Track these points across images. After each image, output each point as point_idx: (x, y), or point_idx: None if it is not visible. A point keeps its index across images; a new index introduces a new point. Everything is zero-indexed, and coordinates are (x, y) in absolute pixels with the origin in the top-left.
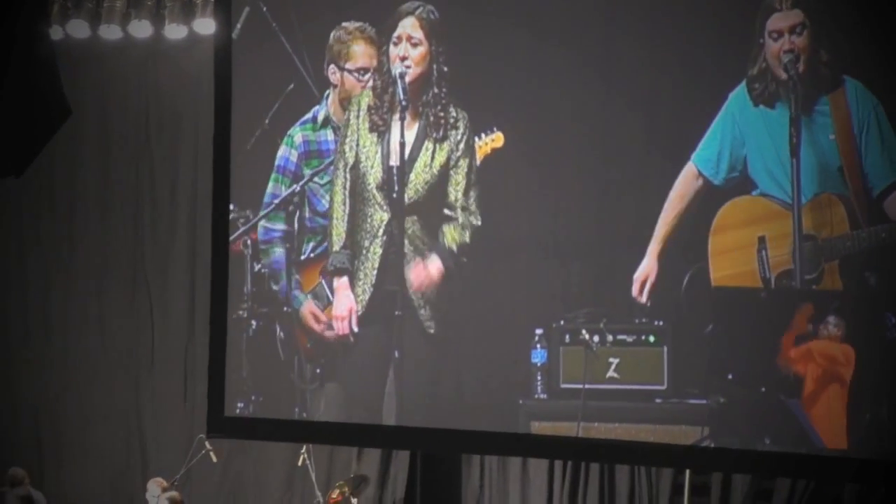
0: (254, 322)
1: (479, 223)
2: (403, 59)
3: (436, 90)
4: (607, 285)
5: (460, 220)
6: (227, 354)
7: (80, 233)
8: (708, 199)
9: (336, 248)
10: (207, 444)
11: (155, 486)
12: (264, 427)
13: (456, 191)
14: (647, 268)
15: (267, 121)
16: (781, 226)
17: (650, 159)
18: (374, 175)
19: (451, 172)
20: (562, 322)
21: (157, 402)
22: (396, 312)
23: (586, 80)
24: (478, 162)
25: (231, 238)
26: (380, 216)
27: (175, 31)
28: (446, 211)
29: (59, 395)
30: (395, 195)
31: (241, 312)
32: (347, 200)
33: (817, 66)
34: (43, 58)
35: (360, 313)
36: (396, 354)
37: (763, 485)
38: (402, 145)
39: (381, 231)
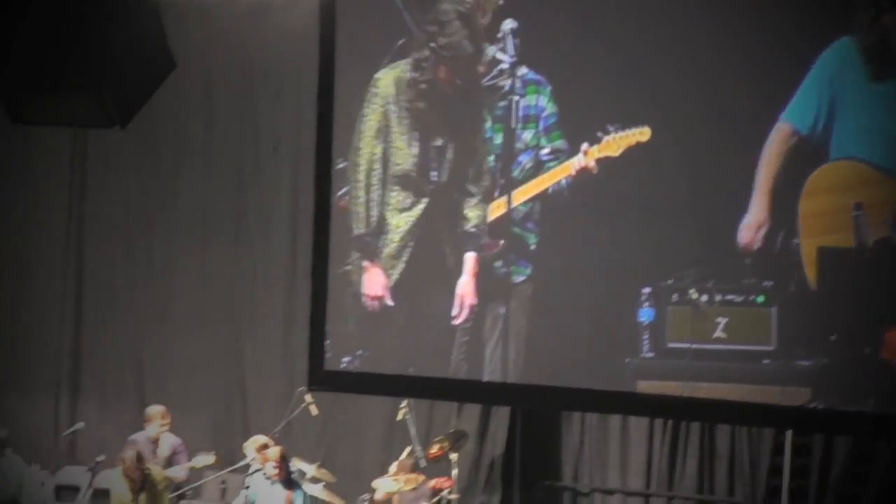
0: (355, 280)
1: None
2: None
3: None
4: (715, 245)
5: None
6: (333, 309)
7: (183, 185)
8: (800, 160)
9: None
10: (307, 398)
11: (252, 450)
12: (364, 381)
13: None
14: (757, 217)
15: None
16: (880, 193)
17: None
18: None
19: None
20: (670, 281)
21: (258, 355)
22: (503, 269)
23: (676, 40)
24: None
25: (339, 193)
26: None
27: None
28: None
29: (162, 346)
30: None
31: (347, 267)
32: None
33: None
34: (148, 11)
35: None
36: (502, 311)
37: (864, 447)
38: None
39: None
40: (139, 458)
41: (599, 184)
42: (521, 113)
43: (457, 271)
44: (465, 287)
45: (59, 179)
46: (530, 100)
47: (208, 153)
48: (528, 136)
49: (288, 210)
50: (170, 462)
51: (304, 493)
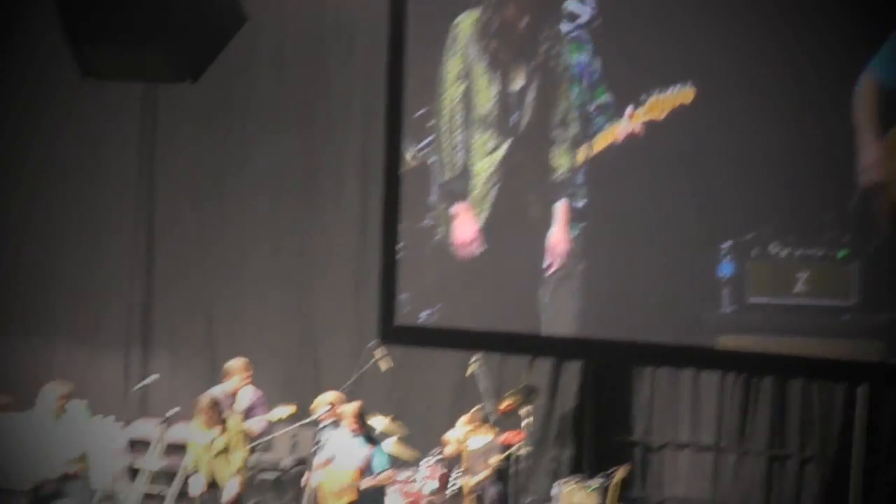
0: (438, 232)
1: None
2: None
3: None
4: (797, 201)
5: None
6: (412, 264)
7: (254, 140)
8: (886, 113)
9: None
10: (378, 352)
11: (325, 405)
12: (435, 335)
13: None
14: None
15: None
16: None
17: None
18: None
19: None
20: (750, 236)
21: (330, 309)
22: (581, 224)
23: None
24: None
25: (420, 146)
26: None
27: None
28: None
29: (233, 300)
30: None
31: (427, 222)
32: None
33: None
34: None
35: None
36: (580, 267)
37: None
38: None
39: None
40: (214, 405)
41: (675, 135)
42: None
43: (542, 220)
44: (557, 236)
45: (129, 134)
46: (576, 57)
47: (279, 107)
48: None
49: (360, 164)
50: (248, 416)
51: (382, 450)
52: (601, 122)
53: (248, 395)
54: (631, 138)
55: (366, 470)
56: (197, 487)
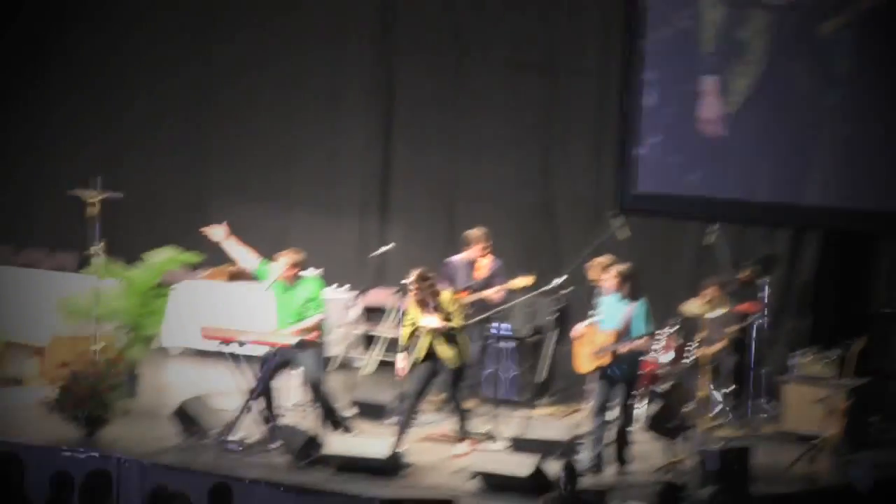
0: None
1: None
2: None
3: None
4: None
5: None
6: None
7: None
8: None
9: None
10: (617, 221)
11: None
12: (672, 204)
13: None
14: None
15: None
16: None
17: None
18: None
19: None
20: None
21: (569, 178)
22: (840, 90)
23: None
24: None
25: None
26: None
27: None
28: None
29: (472, 168)
30: None
31: (665, 99)
32: None
33: None
34: None
35: None
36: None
37: None
38: None
39: None
40: (423, 278)
41: None
42: None
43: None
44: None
45: (367, 1)
46: None
47: None
48: None
49: (600, 37)
50: (488, 285)
51: (643, 314)
52: None
53: (487, 263)
54: None
55: (624, 334)
56: (401, 363)
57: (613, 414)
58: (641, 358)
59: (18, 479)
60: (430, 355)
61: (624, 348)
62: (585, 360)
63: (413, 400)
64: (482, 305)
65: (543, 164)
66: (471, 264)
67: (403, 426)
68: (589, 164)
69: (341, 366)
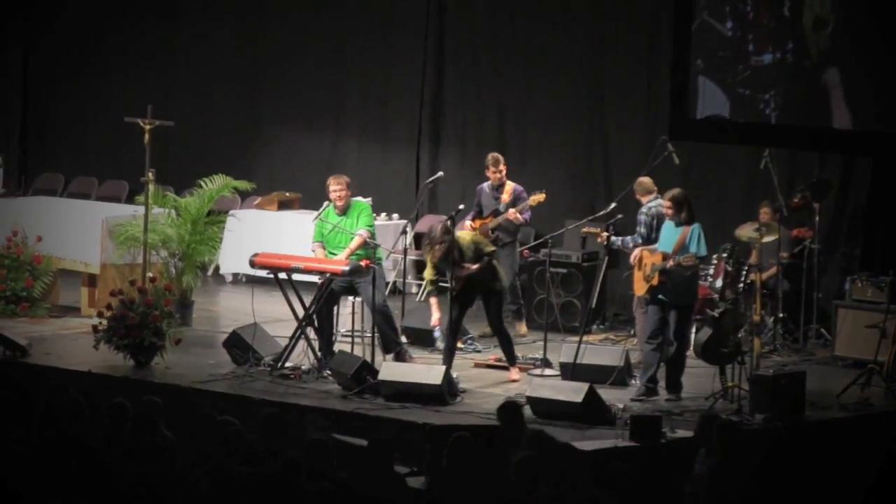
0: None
1: None
2: None
3: None
4: None
5: None
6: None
7: None
8: None
9: None
10: (669, 146)
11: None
12: (726, 130)
13: None
14: None
15: None
16: None
17: None
18: None
19: None
20: None
21: (621, 102)
22: None
23: None
24: None
25: None
26: None
27: None
28: None
29: (523, 95)
30: None
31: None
32: None
33: None
34: None
35: None
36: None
37: None
38: None
39: None
40: (446, 231)
41: None
42: None
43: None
44: None
45: None
46: None
47: None
48: None
49: None
50: (514, 204)
51: (698, 227)
52: None
53: (510, 188)
54: None
55: (676, 255)
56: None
57: (667, 339)
58: (698, 283)
59: (74, 411)
60: (468, 283)
61: (669, 264)
62: (639, 283)
63: (455, 326)
64: (512, 229)
65: (596, 89)
66: (498, 189)
67: (450, 353)
68: (642, 88)
69: (393, 293)
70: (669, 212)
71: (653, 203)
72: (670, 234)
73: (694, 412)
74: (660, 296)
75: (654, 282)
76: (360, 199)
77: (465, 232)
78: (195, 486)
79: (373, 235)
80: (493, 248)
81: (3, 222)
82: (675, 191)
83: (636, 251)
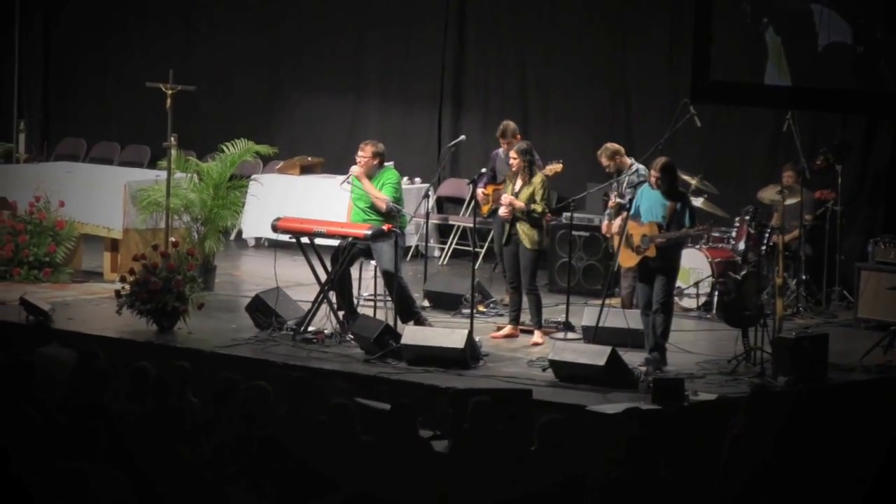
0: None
1: None
2: None
3: None
4: None
5: None
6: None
7: None
8: None
9: None
10: (692, 109)
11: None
12: (748, 93)
13: None
14: None
15: None
16: None
17: None
18: None
19: None
20: None
21: (643, 66)
22: None
23: None
24: None
25: None
26: None
27: None
28: None
29: (545, 59)
30: None
31: None
32: None
33: None
34: None
35: None
36: None
37: None
38: None
39: None
40: (526, 152)
41: None
42: None
43: None
44: None
45: None
46: None
47: None
48: None
49: None
50: None
51: (687, 199)
52: None
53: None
54: None
55: (667, 226)
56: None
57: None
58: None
59: (95, 376)
60: (511, 238)
61: (661, 240)
62: (626, 254)
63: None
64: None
65: (618, 52)
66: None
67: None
68: (664, 51)
69: (415, 256)
70: (655, 180)
71: (633, 171)
72: (654, 203)
73: (717, 375)
74: (649, 264)
75: (651, 253)
76: (390, 166)
77: (542, 175)
78: (220, 452)
79: (398, 202)
80: (546, 209)
81: (26, 187)
82: (664, 159)
83: (616, 222)
